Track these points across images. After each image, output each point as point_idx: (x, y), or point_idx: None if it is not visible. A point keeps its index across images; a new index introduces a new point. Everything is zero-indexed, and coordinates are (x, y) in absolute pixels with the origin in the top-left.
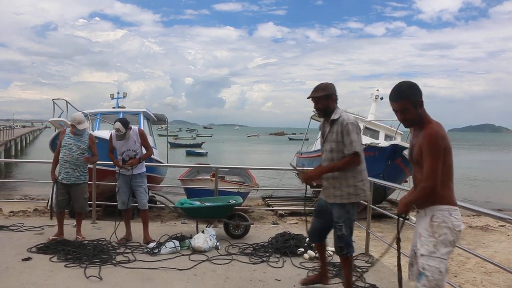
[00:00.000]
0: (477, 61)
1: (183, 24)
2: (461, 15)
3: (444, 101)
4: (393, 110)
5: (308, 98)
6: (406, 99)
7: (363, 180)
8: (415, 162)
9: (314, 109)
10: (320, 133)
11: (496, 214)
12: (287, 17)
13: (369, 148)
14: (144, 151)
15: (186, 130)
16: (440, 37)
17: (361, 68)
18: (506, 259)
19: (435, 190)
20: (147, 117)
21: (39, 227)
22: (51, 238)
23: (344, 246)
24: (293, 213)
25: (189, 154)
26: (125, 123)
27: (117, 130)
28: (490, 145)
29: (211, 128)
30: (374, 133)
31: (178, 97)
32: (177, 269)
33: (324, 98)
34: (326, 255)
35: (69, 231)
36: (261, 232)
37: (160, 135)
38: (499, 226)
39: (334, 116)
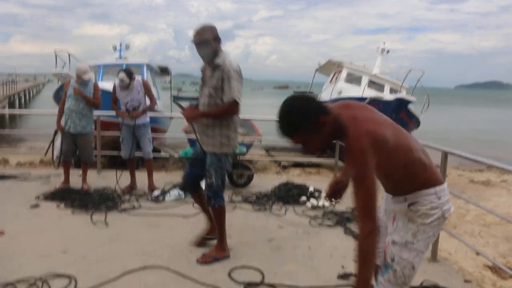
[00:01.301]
0: (488, 16)
1: None
2: None
3: (451, 57)
4: None
5: (194, 43)
6: (298, 132)
7: (236, 132)
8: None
9: (200, 56)
10: (201, 77)
11: (497, 164)
12: None
13: (374, 101)
14: (147, 101)
15: (190, 84)
16: None
17: (367, 21)
18: (506, 212)
19: (372, 231)
20: (151, 68)
21: (45, 176)
22: (57, 187)
23: (212, 196)
24: (296, 165)
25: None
26: (129, 73)
27: (121, 80)
28: (499, 102)
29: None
30: (379, 87)
31: (182, 50)
32: (181, 216)
33: (208, 42)
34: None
35: (75, 180)
36: (264, 181)
37: (164, 88)
38: (500, 181)
39: (217, 61)
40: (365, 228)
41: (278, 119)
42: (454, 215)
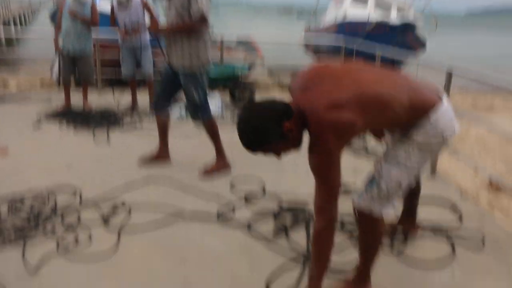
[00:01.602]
0: None
1: None
2: None
3: None
4: None
5: None
6: (263, 148)
7: (207, 48)
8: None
9: None
10: None
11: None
12: None
13: (380, 25)
14: (147, 21)
15: None
16: None
17: None
18: (506, 136)
19: (334, 224)
20: None
21: (46, 97)
22: (59, 107)
23: (199, 111)
24: None
25: None
26: None
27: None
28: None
29: (217, 7)
30: (386, 7)
31: None
32: (183, 132)
33: None
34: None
35: (76, 101)
36: None
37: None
38: (504, 106)
39: None
40: (321, 223)
41: (240, 139)
42: (454, 138)
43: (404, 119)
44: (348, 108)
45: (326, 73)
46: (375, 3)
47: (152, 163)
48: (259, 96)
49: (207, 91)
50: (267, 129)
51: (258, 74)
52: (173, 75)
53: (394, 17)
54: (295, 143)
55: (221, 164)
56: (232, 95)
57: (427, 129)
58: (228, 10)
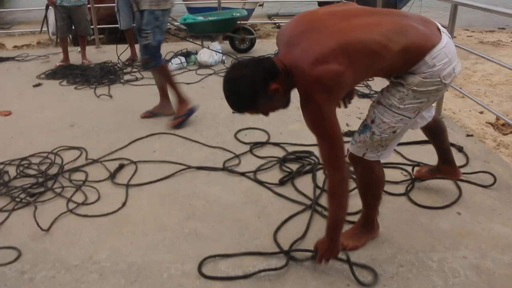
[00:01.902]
0: None
1: None
2: None
3: None
4: None
5: None
6: (249, 109)
7: None
8: None
9: None
10: None
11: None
12: None
13: None
14: None
15: None
16: None
17: None
18: None
19: (345, 179)
20: None
21: (44, 55)
22: (57, 64)
23: (150, 57)
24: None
25: None
26: None
27: None
28: None
29: None
30: None
31: None
32: (185, 83)
33: None
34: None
35: (75, 57)
36: (267, 46)
37: None
38: (511, 41)
39: None
40: (335, 177)
41: (227, 101)
42: (460, 76)
43: (398, 66)
44: (334, 60)
45: (310, 25)
46: None
47: (155, 116)
48: (260, 43)
49: (162, 38)
50: (252, 91)
51: (257, 20)
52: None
53: None
54: (282, 103)
55: (185, 108)
56: (232, 42)
57: (423, 71)
58: None
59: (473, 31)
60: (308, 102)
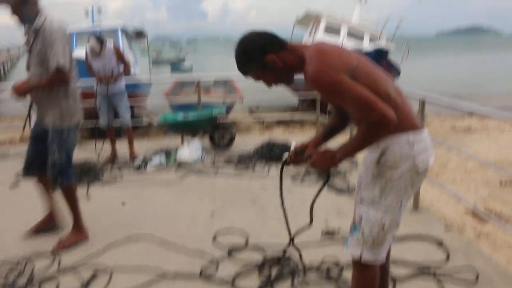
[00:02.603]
0: None
1: None
2: None
3: (430, 2)
4: None
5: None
6: (248, 72)
7: (76, 101)
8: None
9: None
10: (25, 43)
11: (473, 107)
12: None
13: None
14: (121, 68)
15: (169, 46)
16: None
17: None
18: (485, 157)
19: (391, 120)
20: (126, 32)
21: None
22: None
23: (58, 174)
24: (280, 122)
25: (174, 69)
26: (100, 40)
27: (92, 47)
28: (479, 47)
29: (195, 42)
30: (358, 37)
31: (159, 12)
32: (164, 182)
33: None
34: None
35: None
36: (247, 141)
37: (143, 53)
38: (481, 127)
39: (37, 23)
40: (371, 120)
41: (235, 58)
42: (436, 164)
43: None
44: (351, 58)
45: (338, 46)
46: (347, 32)
47: (41, 231)
48: (240, 138)
49: (72, 153)
50: (249, 56)
51: (238, 114)
52: (44, 131)
53: (367, 45)
54: (282, 76)
55: (77, 236)
56: (212, 139)
57: (401, 147)
58: (207, 46)
59: (445, 118)
60: (312, 80)
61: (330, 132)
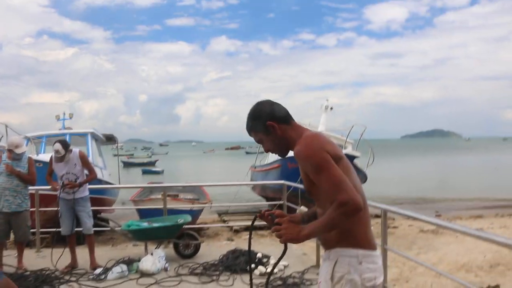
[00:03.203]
0: (425, 69)
1: (135, 40)
2: (408, 25)
3: (396, 108)
4: None
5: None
6: (252, 130)
7: None
8: (308, 194)
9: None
10: None
11: (434, 221)
12: (240, 31)
13: None
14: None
15: (142, 149)
16: (389, 46)
17: (315, 78)
18: (454, 260)
19: (358, 205)
20: (95, 137)
21: None
22: None
23: None
24: (248, 227)
25: (145, 172)
26: (65, 145)
27: (56, 151)
28: (441, 149)
29: (167, 145)
30: None
31: (133, 115)
32: None
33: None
34: None
35: (11, 262)
36: (213, 250)
37: (114, 155)
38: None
39: None
40: (340, 199)
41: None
42: (407, 268)
43: (349, 226)
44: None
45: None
46: None
47: None
48: (206, 245)
49: None
50: (256, 116)
51: (207, 219)
52: None
53: None
54: (278, 144)
55: None
56: (176, 248)
57: (350, 260)
58: (179, 149)
59: (414, 220)
60: (299, 151)
61: (311, 216)
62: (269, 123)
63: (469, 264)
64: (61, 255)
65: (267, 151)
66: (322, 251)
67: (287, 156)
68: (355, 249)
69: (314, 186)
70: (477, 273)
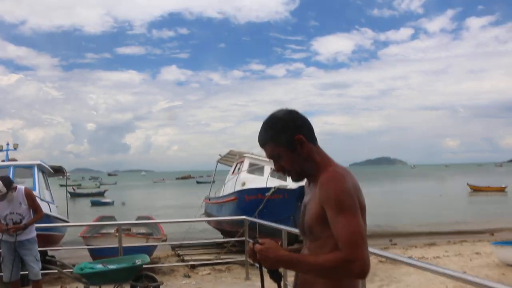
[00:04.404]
0: (371, 99)
1: (83, 68)
2: (354, 57)
3: (344, 137)
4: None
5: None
6: (271, 141)
7: None
8: (307, 231)
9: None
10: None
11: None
12: (190, 60)
13: (278, 191)
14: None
15: (90, 179)
16: (337, 77)
17: (265, 108)
18: None
19: (365, 272)
20: (42, 169)
21: None
22: None
23: None
24: (205, 263)
25: (94, 204)
26: (7, 182)
27: None
28: (389, 177)
29: (116, 175)
30: (282, 177)
31: (80, 144)
32: None
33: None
34: None
35: None
36: None
37: (61, 185)
38: (406, 258)
39: None
40: (350, 255)
41: (263, 123)
42: None
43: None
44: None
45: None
46: (271, 172)
47: None
48: (164, 286)
49: None
50: (282, 126)
51: (162, 254)
52: None
53: (291, 184)
54: (299, 165)
55: None
56: None
57: None
58: (129, 179)
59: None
60: (335, 180)
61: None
62: (298, 138)
63: None
64: None
65: (279, 170)
66: None
67: (244, 189)
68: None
69: (319, 224)
70: None
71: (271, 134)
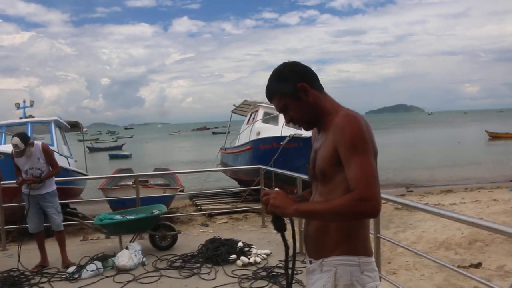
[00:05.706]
0: (387, 45)
1: (94, 23)
2: (370, 2)
3: (359, 85)
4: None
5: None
6: (276, 93)
7: None
8: (319, 175)
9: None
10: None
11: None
12: (202, 11)
13: (293, 139)
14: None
15: (107, 133)
16: (352, 23)
17: (278, 57)
18: (433, 238)
19: (377, 210)
20: (59, 125)
21: None
22: None
23: None
24: (222, 212)
25: (112, 157)
26: (25, 138)
27: (15, 145)
28: (405, 123)
29: (132, 128)
30: (273, 118)
31: (96, 99)
32: None
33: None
34: None
35: None
36: (190, 239)
37: (79, 140)
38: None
39: None
40: (364, 193)
41: (268, 78)
42: (387, 248)
43: (350, 228)
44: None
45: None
46: (263, 116)
47: None
48: (182, 234)
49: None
50: (284, 76)
51: (179, 204)
52: None
53: (305, 131)
54: (307, 113)
55: None
56: (153, 240)
57: (351, 271)
58: (145, 132)
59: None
60: (350, 121)
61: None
62: (301, 85)
63: (448, 241)
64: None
65: (289, 121)
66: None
67: (259, 138)
68: (356, 256)
69: (332, 167)
70: (456, 250)
71: (275, 87)
